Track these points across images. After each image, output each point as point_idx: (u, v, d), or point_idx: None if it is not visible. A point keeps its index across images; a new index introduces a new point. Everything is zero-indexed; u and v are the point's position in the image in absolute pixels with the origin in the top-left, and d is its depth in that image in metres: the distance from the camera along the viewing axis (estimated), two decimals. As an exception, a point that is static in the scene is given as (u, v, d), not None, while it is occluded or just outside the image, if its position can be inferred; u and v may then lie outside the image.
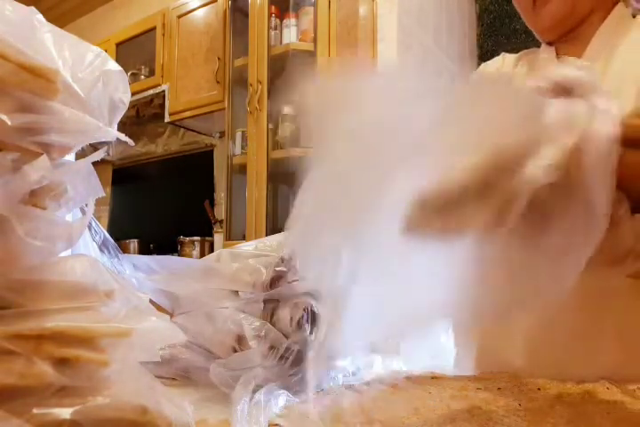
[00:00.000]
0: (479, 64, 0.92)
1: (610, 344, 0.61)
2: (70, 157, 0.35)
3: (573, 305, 0.49)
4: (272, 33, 2.04)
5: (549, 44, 0.81)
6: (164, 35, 2.58)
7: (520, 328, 0.67)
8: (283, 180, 2.11)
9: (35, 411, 0.27)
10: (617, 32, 0.73)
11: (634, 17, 0.76)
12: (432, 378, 0.60)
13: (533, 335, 0.65)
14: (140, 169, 3.23)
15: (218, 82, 2.28)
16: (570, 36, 0.77)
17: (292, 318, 0.59)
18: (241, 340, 0.59)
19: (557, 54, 0.78)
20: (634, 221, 0.33)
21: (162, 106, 2.62)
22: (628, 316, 0.61)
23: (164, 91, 2.56)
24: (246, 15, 2.10)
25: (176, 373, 0.67)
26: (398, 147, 0.30)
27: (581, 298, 0.47)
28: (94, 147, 0.36)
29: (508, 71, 0.83)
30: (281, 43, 2.04)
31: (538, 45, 0.85)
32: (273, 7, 2.04)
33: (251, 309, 0.61)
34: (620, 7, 0.75)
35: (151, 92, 2.62)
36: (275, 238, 0.66)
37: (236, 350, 0.60)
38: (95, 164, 0.36)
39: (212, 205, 2.73)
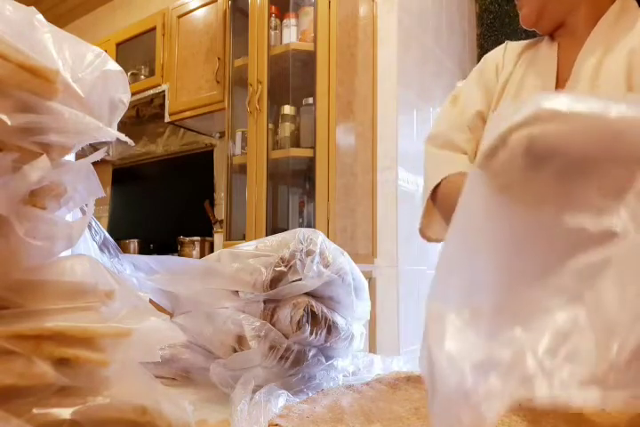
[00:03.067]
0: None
1: None
2: (70, 157, 0.35)
3: None
4: (272, 33, 2.04)
5: (550, 35, 0.84)
6: (164, 35, 2.58)
7: None
8: (283, 180, 2.11)
9: (35, 411, 0.27)
10: (618, 25, 0.74)
11: None
12: (432, 378, 0.60)
13: None
14: (140, 169, 3.23)
15: (218, 82, 2.28)
16: (563, 30, 0.80)
17: (292, 318, 0.59)
18: (241, 340, 0.59)
19: (559, 49, 0.80)
20: None
21: (162, 106, 2.62)
22: None
23: (164, 91, 2.56)
24: (246, 15, 2.10)
25: (176, 373, 0.67)
26: None
27: None
28: (94, 147, 0.36)
29: (508, 70, 0.83)
30: (281, 43, 2.04)
31: None
32: (273, 7, 2.04)
33: (251, 309, 0.61)
34: (620, 2, 0.76)
35: (151, 92, 2.62)
36: (275, 238, 0.66)
37: (235, 350, 0.60)
38: (95, 164, 0.36)
39: (212, 205, 2.73)
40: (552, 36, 0.83)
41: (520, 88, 0.80)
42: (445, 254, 0.29)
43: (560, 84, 0.76)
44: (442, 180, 0.80)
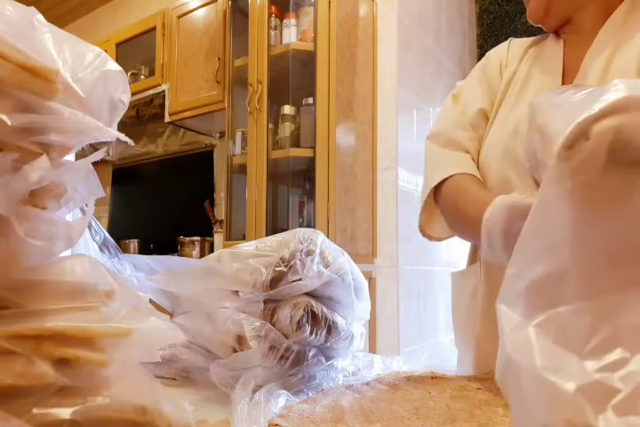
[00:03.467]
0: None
1: None
2: (70, 157, 0.35)
3: None
4: (272, 33, 2.04)
5: (555, 32, 0.83)
6: (163, 35, 2.58)
7: None
8: (283, 180, 2.11)
9: (35, 411, 0.27)
10: (627, 25, 0.73)
11: None
12: (432, 378, 0.60)
13: None
14: (140, 169, 3.23)
15: (218, 82, 2.28)
16: (569, 27, 0.79)
17: (292, 318, 0.59)
18: (241, 340, 0.59)
19: (565, 46, 0.79)
20: None
21: (162, 106, 2.62)
22: None
23: (163, 91, 2.56)
24: (246, 15, 2.10)
25: (176, 373, 0.67)
26: None
27: None
28: (94, 147, 0.36)
29: (513, 68, 0.82)
30: (281, 43, 2.04)
31: None
32: (273, 7, 2.04)
33: (251, 309, 0.61)
34: (629, 2, 0.75)
35: (151, 92, 2.62)
36: (275, 238, 0.66)
37: (235, 350, 0.60)
38: (95, 164, 0.36)
39: (212, 205, 2.73)
40: (557, 34, 0.82)
41: (525, 85, 0.79)
42: (522, 254, 0.26)
43: (566, 81, 0.75)
44: (444, 179, 0.79)
